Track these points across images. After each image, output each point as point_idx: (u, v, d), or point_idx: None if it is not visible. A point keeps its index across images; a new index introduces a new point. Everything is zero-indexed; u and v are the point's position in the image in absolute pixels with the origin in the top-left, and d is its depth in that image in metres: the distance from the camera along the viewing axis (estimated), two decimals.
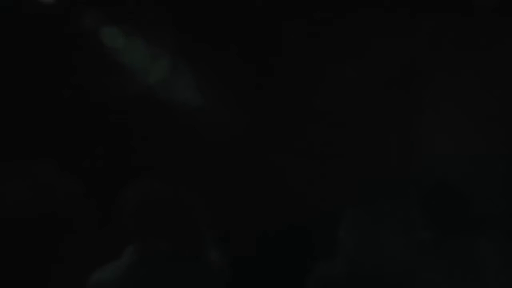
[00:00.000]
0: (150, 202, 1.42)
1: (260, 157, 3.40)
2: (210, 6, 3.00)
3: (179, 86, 3.07)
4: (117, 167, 2.88)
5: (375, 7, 2.94)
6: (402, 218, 1.73)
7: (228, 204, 3.03)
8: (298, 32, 3.46)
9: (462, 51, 3.36)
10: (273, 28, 3.46)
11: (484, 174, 2.81)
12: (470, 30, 3.20)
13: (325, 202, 2.94)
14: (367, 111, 3.60)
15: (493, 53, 3.22)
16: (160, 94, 3.48)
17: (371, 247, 1.56)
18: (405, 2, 2.93)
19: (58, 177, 2.42)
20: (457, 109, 3.39)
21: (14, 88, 2.73)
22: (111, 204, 1.55)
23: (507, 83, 3.23)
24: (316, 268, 1.62)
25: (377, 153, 3.30)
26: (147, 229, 1.39)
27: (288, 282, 2.37)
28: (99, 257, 1.50)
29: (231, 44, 3.79)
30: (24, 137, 2.75)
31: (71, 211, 2.33)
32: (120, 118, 3.02)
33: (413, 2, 2.92)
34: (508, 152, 3.02)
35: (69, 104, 2.84)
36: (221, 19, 3.57)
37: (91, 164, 2.76)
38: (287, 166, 3.13)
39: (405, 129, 3.36)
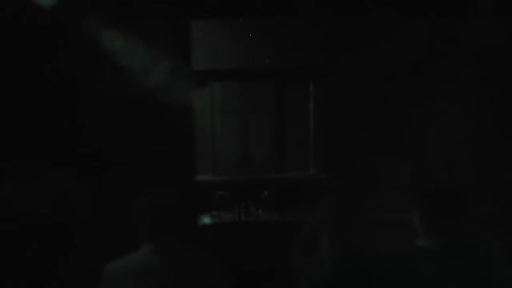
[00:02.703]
0: (158, 207, 1.74)
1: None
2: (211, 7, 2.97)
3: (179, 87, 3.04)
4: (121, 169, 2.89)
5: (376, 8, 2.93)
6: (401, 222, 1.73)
7: None
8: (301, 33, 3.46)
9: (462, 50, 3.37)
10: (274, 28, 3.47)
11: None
12: (470, 30, 3.20)
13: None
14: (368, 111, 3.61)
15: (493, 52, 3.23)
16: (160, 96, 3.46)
17: (365, 248, 1.56)
18: (406, 3, 2.92)
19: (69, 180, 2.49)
20: (457, 111, 3.40)
21: (14, 91, 2.73)
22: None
23: (506, 82, 3.24)
24: (309, 266, 1.63)
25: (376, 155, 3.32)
26: (155, 229, 1.72)
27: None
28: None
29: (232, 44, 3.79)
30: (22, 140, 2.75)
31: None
32: (121, 119, 3.01)
33: (415, 2, 2.91)
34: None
35: (70, 106, 2.83)
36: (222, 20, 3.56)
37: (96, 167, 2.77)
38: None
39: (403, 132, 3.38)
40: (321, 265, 1.57)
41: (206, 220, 3.38)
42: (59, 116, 2.76)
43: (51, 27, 2.67)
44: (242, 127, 4.20)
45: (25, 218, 2.37)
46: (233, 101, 4.17)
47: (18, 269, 2.42)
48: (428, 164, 3.14)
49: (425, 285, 1.52)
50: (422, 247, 1.62)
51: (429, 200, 1.64)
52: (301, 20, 3.82)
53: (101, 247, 2.30)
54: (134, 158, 2.78)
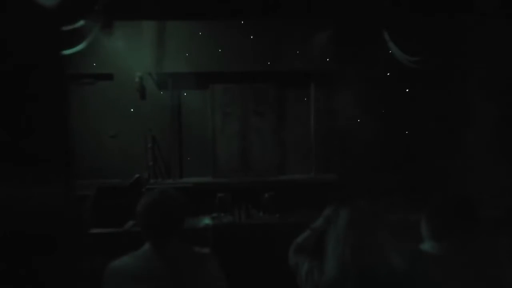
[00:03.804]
0: (159, 208, 1.71)
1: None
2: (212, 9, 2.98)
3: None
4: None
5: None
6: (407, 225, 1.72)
7: None
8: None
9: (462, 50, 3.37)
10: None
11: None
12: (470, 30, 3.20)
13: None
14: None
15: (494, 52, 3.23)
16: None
17: (371, 249, 1.54)
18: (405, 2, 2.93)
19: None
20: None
21: (12, 90, 2.72)
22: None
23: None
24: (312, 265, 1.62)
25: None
26: (157, 230, 1.70)
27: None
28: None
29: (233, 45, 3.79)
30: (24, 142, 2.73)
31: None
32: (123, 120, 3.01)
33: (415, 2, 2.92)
34: None
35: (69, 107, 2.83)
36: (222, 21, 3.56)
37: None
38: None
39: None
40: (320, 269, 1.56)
41: (207, 221, 3.36)
42: None
43: None
44: (242, 129, 4.19)
45: None
46: (234, 103, 4.17)
47: None
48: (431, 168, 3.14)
49: None
50: (426, 251, 1.62)
51: (435, 205, 1.65)
52: (303, 23, 3.83)
53: None
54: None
